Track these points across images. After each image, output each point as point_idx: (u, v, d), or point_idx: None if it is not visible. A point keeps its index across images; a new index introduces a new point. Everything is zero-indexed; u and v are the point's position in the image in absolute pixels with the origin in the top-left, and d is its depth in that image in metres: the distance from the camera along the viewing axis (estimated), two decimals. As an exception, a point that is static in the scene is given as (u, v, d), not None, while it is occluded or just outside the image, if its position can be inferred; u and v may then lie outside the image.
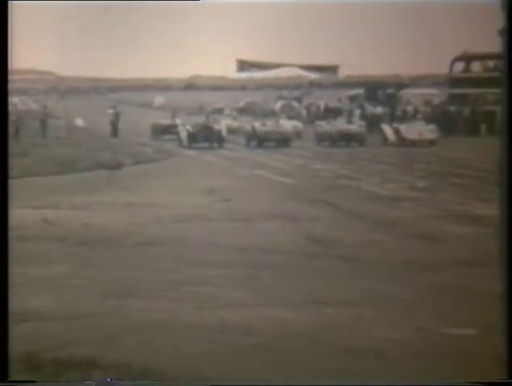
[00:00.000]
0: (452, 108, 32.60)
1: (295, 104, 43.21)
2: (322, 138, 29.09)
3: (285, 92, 46.48)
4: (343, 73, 43.00)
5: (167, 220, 12.08)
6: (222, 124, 29.99)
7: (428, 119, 30.96)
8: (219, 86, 55.79)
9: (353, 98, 41.33)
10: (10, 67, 3.85)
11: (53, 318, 6.47)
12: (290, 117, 35.20)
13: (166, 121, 32.66)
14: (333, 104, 41.81)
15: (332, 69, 41.47)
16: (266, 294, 7.39)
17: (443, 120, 31.26)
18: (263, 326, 6.24)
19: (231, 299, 7.15)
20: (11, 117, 41.39)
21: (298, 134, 30.72)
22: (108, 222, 11.92)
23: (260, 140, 28.42)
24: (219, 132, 29.03)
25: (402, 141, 27.12)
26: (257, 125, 29.32)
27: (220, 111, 42.72)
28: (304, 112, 40.05)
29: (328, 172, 19.57)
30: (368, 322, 6.43)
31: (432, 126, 28.25)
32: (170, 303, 6.99)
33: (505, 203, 4.47)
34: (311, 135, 30.08)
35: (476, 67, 35.17)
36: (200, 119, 30.46)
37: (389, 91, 38.95)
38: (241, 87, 54.45)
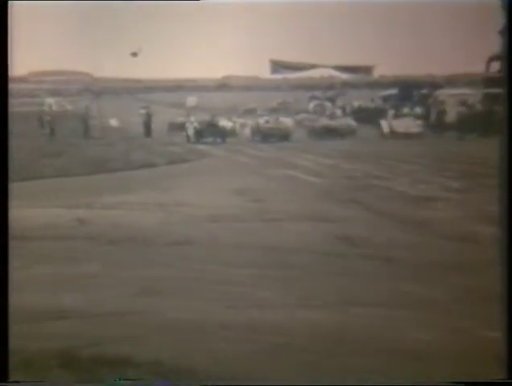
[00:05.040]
0: (488, 108, 32.24)
1: (328, 104, 43.11)
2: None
3: (318, 93, 46.43)
4: (377, 73, 42.75)
5: (197, 220, 12.13)
6: (226, 122, 33.85)
7: (464, 119, 30.81)
8: (252, 86, 55.83)
9: (386, 98, 41.13)
10: (9, 67, 3.88)
11: (86, 316, 6.53)
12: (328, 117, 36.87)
13: (180, 119, 36.24)
14: (367, 104, 41.70)
15: (367, 70, 41.27)
16: (296, 294, 7.38)
17: (479, 120, 30.94)
18: (293, 326, 6.24)
19: (261, 299, 7.16)
20: (46, 118, 41.92)
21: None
22: (139, 222, 12.01)
23: (263, 135, 31.67)
24: (222, 128, 32.32)
25: (393, 134, 31.30)
26: (261, 121, 32.85)
27: (252, 111, 42.81)
28: (339, 112, 40.07)
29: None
30: (398, 323, 6.39)
31: (419, 122, 32.47)
32: (201, 302, 7.02)
33: (506, 203, 4.44)
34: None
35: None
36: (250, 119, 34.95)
37: (423, 91, 38.71)
38: (275, 87, 54.46)
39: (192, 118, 34.06)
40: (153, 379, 4.94)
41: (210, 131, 31.72)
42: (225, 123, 33.91)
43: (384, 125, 32.70)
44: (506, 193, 4.44)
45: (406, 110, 36.05)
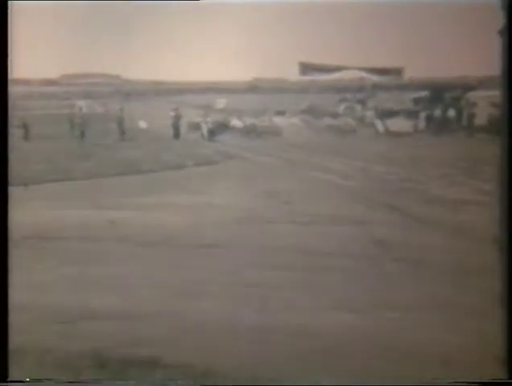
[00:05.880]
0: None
1: (358, 106, 42.95)
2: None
3: (348, 95, 46.25)
4: (407, 75, 42.47)
5: (228, 222, 12.12)
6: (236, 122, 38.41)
7: (495, 121, 30.56)
8: (281, 88, 55.81)
9: (417, 100, 40.87)
10: (9, 67, 3.88)
11: (117, 317, 6.54)
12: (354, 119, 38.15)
13: (197, 119, 39.13)
14: (398, 106, 41.54)
15: (397, 71, 41.03)
16: (327, 297, 7.32)
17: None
18: (324, 329, 6.18)
19: (291, 302, 7.11)
20: (77, 120, 42.15)
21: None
22: (170, 223, 12.03)
23: (258, 133, 36.18)
24: (233, 128, 37.07)
25: (388, 133, 34.32)
26: (256, 121, 37.87)
27: (281, 113, 42.89)
28: (371, 113, 40.09)
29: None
30: (431, 327, 6.31)
31: (411, 122, 35.79)
32: (231, 305, 6.99)
33: (505, 203, 4.36)
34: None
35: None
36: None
37: (455, 93, 38.40)
38: (304, 89, 54.37)
39: (208, 119, 37.43)
40: (180, 380, 4.93)
41: (222, 130, 36.12)
42: (235, 123, 38.21)
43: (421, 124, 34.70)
44: (506, 193, 4.37)
45: (437, 112, 35.91)
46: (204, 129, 36.51)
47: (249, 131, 37.28)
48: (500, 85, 4.39)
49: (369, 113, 39.89)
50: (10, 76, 4.00)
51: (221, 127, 36.93)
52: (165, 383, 4.87)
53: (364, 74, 43.13)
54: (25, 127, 34.74)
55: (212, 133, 36.08)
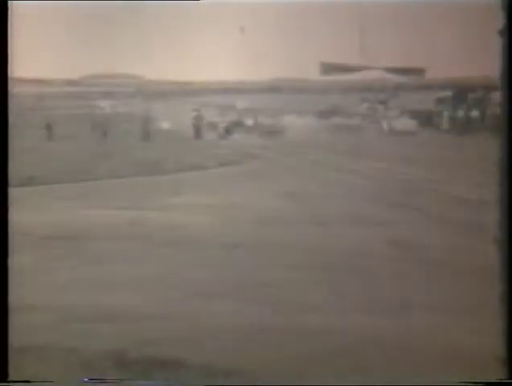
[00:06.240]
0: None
1: (380, 106, 42.80)
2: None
3: (369, 95, 46.09)
4: (429, 76, 42.26)
5: (248, 222, 12.13)
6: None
7: None
8: (302, 89, 55.71)
9: (440, 101, 40.65)
10: (9, 67, 3.92)
11: (139, 317, 6.58)
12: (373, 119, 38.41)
13: (215, 119, 41.36)
14: (421, 106, 41.39)
15: (419, 72, 40.84)
16: (347, 298, 7.31)
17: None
18: (345, 330, 6.17)
19: (311, 302, 7.11)
20: (98, 120, 42.66)
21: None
22: (191, 223, 12.07)
23: (277, 133, 37.88)
24: (251, 127, 39.57)
25: (392, 132, 36.75)
26: (276, 121, 40.35)
27: (301, 113, 42.90)
28: (396, 113, 40.16)
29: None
30: (450, 328, 6.28)
31: (414, 121, 37.90)
32: (252, 305, 7.01)
33: (506, 203, 4.31)
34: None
35: None
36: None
37: (478, 93, 38.13)
38: (325, 89, 54.24)
39: (225, 118, 40.16)
40: (202, 380, 4.95)
41: (237, 129, 38.08)
42: (249, 122, 40.61)
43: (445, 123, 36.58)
44: (506, 193, 4.33)
45: (461, 113, 35.76)
46: (221, 129, 37.96)
47: (269, 131, 37.99)
48: (500, 85, 4.38)
49: (391, 113, 39.85)
50: (10, 76, 4.04)
51: (237, 126, 38.61)
52: (168, 383, 4.89)
53: (386, 74, 42.97)
54: (48, 128, 35.02)
55: (228, 132, 37.51)
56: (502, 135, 4.41)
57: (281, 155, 26.78)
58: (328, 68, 40.78)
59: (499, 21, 4.36)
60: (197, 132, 35.92)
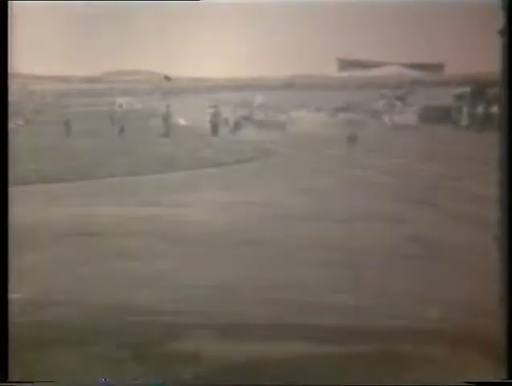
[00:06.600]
0: None
1: (398, 102, 42.64)
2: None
3: (387, 91, 45.91)
4: (448, 71, 41.98)
5: (267, 219, 12.12)
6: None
7: None
8: (319, 85, 55.53)
9: (459, 97, 40.40)
10: (9, 67, 3.92)
11: (158, 312, 6.61)
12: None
13: (226, 114, 41.63)
14: (439, 102, 41.19)
15: (437, 67, 40.58)
16: (367, 295, 7.29)
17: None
18: (366, 328, 6.16)
19: (331, 301, 7.09)
20: (115, 116, 42.82)
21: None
22: (208, 220, 12.08)
23: (262, 125, 38.96)
24: (256, 121, 40.22)
25: (394, 126, 37.23)
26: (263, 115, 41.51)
27: (320, 109, 42.91)
28: (414, 109, 40.15)
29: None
30: (471, 327, 6.24)
31: (415, 116, 38.60)
32: (270, 302, 7.01)
33: (506, 203, 4.29)
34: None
35: None
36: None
37: (497, 89, 37.79)
38: (342, 86, 54.05)
39: (236, 114, 40.86)
40: (220, 377, 4.96)
41: (246, 124, 38.85)
42: (260, 116, 41.54)
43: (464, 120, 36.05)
44: (506, 193, 4.31)
45: (480, 109, 35.59)
46: (231, 124, 38.44)
47: (285, 127, 38.38)
48: (500, 85, 4.36)
49: (409, 109, 39.80)
50: (11, 73, 4.06)
51: (251, 122, 39.26)
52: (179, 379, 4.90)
53: (403, 70, 42.73)
54: (67, 124, 35.21)
55: (240, 127, 37.95)
56: (502, 134, 4.39)
57: (298, 151, 26.74)
58: (345, 64, 40.65)
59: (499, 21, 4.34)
60: (214, 128, 35.94)
